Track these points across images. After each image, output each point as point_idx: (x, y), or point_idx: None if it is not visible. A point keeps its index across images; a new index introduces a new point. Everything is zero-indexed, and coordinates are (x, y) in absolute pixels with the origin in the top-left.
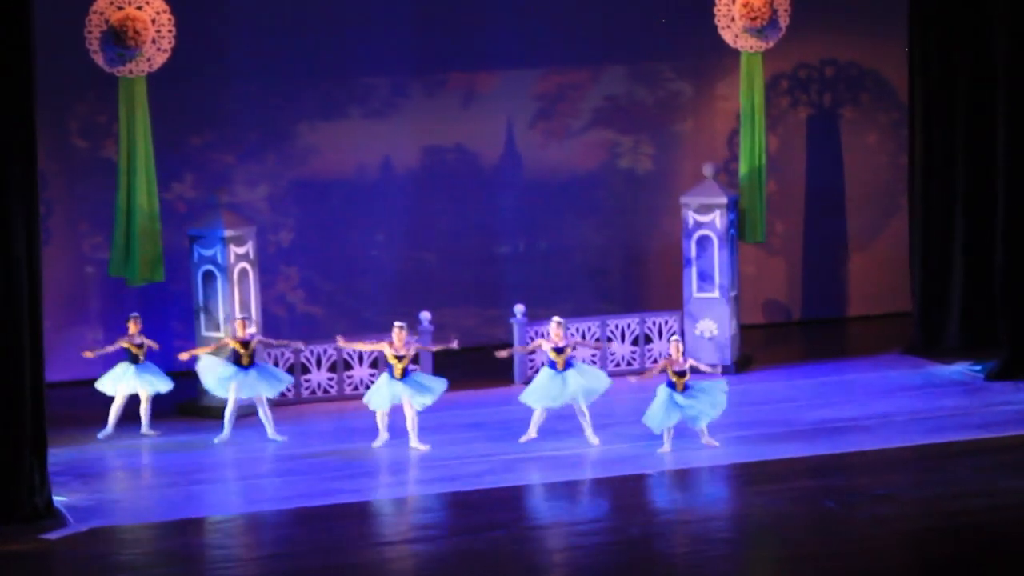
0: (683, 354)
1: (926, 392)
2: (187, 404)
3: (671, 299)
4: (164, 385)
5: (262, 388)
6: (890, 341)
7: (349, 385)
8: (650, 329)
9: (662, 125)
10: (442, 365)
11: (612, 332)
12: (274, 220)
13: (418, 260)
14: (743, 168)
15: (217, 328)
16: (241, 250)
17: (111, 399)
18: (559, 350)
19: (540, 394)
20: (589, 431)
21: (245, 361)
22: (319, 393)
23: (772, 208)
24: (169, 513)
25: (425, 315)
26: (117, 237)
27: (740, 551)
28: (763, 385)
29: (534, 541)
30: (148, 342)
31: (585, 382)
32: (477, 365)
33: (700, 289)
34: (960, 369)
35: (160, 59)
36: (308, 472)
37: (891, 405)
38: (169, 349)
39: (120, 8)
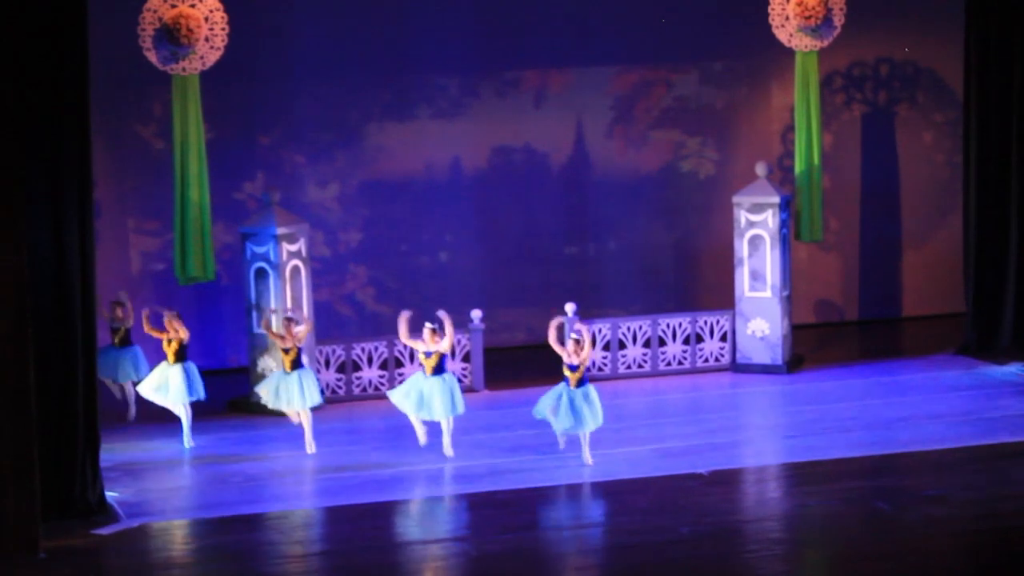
0: (580, 351)
1: (979, 393)
2: (237, 401)
3: (725, 298)
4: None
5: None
6: (943, 341)
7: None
8: (701, 328)
9: (723, 125)
10: (497, 362)
11: (663, 331)
12: (344, 219)
13: (485, 260)
14: (798, 167)
15: (269, 325)
16: (293, 247)
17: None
18: (428, 354)
19: (402, 393)
20: (447, 442)
21: (170, 359)
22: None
23: (826, 206)
24: (218, 509)
25: (476, 313)
26: (176, 235)
27: (791, 551)
28: (815, 385)
29: (579, 540)
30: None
31: (439, 397)
32: (533, 364)
33: (752, 288)
34: (1013, 370)
35: (213, 57)
36: (352, 474)
37: (943, 406)
38: (222, 346)
39: (173, 6)
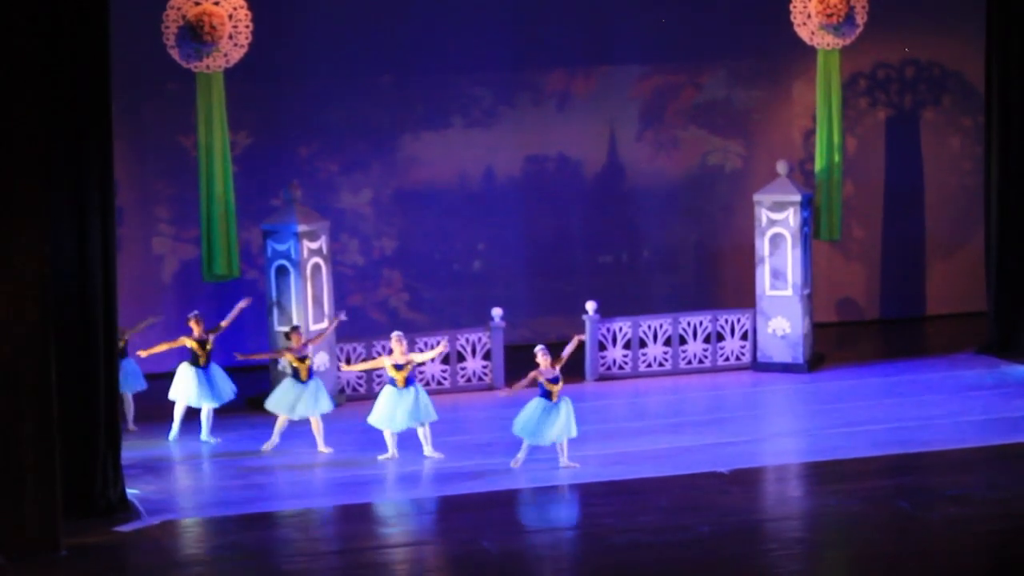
0: (553, 363)
1: (1000, 392)
2: (257, 398)
3: (746, 297)
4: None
5: (209, 392)
6: (965, 341)
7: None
8: (722, 327)
9: (748, 125)
10: (519, 360)
11: (684, 329)
12: (378, 228)
13: (518, 268)
14: (819, 164)
15: (290, 323)
16: (314, 245)
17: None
18: (399, 367)
19: (384, 415)
20: (428, 448)
21: (202, 361)
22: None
23: (849, 208)
24: (239, 507)
25: (496, 311)
26: (203, 233)
27: (812, 551)
28: (836, 384)
29: (599, 539)
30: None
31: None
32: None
33: (773, 287)
34: None
35: (237, 55)
36: (370, 472)
37: (965, 405)
38: (244, 344)
39: (197, 3)
